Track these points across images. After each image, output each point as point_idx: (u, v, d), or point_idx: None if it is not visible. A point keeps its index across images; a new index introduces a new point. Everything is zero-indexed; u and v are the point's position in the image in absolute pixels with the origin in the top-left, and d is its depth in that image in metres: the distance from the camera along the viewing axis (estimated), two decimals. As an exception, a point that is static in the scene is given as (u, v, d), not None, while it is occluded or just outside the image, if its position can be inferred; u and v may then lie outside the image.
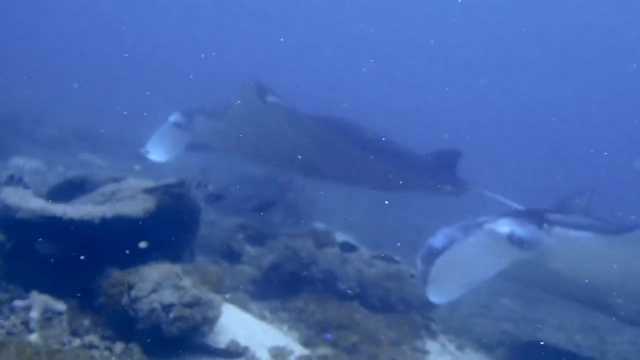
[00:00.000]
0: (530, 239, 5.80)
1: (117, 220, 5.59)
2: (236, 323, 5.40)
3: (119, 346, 4.61)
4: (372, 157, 9.18)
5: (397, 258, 7.89)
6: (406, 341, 6.32)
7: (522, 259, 5.93)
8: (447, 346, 6.87)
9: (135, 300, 4.79)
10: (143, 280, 5.00)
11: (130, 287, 4.95)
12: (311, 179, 11.76)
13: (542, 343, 7.98)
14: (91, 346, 4.49)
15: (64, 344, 4.40)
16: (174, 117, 9.87)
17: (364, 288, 6.84)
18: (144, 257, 5.70)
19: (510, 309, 11.26)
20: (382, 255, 7.85)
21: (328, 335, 5.63)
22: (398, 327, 6.51)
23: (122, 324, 4.85)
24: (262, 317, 6.10)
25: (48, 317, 4.96)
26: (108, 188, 6.48)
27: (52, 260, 5.54)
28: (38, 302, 5.11)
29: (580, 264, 5.83)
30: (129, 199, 6.06)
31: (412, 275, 7.49)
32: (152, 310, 4.68)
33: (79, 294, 5.41)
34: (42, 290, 5.29)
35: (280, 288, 6.76)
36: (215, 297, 5.07)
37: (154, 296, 4.80)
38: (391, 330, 6.33)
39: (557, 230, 5.78)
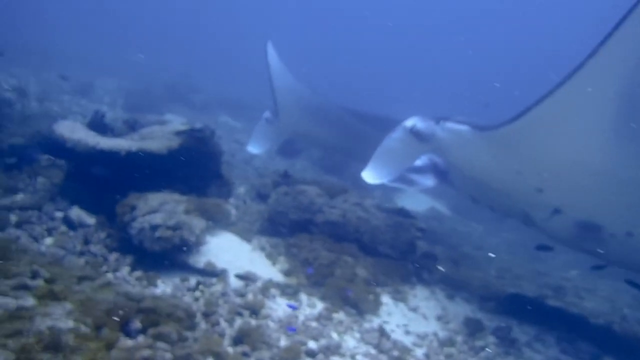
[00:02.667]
0: (426, 130, 6.37)
1: (141, 154, 6.02)
2: (225, 249, 5.72)
3: (113, 256, 5.04)
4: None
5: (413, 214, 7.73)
6: (390, 283, 6.24)
7: (424, 149, 6.69)
8: (436, 293, 6.67)
9: (133, 219, 5.20)
10: (145, 204, 5.38)
11: (133, 208, 5.35)
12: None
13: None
14: (89, 252, 4.92)
15: (65, 249, 4.83)
16: (265, 114, 11.15)
17: (362, 235, 6.77)
18: (163, 186, 6.12)
19: (540, 272, 10.44)
20: (394, 208, 7.69)
21: (310, 270, 5.71)
22: (387, 271, 6.41)
23: (124, 239, 5.28)
24: (262, 249, 6.32)
25: (73, 227, 5.48)
26: (149, 129, 6.97)
27: (95, 182, 6.10)
28: (74, 215, 5.71)
29: (465, 156, 6.26)
30: (159, 138, 6.48)
31: (419, 229, 7.30)
32: (142, 229, 5.10)
33: (108, 212, 5.87)
34: (83, 206, 5.88)
35: (289, 227, 6.90)
36: (199, 223, 5.35)
37: (147, 217, 5.21)
38: (378, 274, 6.25)
39: (448, 125, 6.20)
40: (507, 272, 9.67)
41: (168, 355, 3.17)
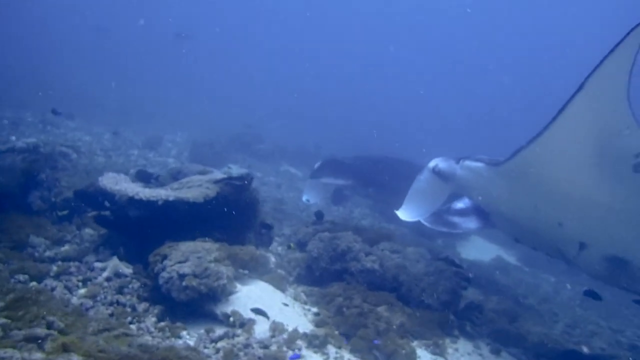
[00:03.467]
0: (447, 170, 6.75)
1: (178, 203, 6.17)
2: (255, 298, 5.62)
3: (142, 306, 5.08)
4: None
5: (458, 262, 7.36)
6: (429, 336, 5.86)
7: (449, 188, 6.97)
8: (481, 348, 6.19)
9: (163, 268, 5.25)
10: (176, 253, 5.44)
11: (164, 257, 5.42)
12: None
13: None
14: (118, 303, 4.98)
15: (95, 299, 4.93)
16: (317, 165, 12.15)
17: (400, 284, 6.49)
18: (201, 234, 6.19)
19: (615, 329, 9.51)
20: (440, 256, 7.34)
21: (346, 341, 5.41)
22: (426, 322, 6.04)
23: (155, 288, 5.33)
24: (295, 298, 6.20)
25: (109, 277, 5.59)
26: (189, 178, 7.14)
27: (136, 232, 6.27)
28: (112, 265, 5.89)
29: (484, 192, 6.45)
30: (196, 187, 6.63)
31: (464, 279, 6.91)
32: (170, 278, 5.14)
33: (145, 262, 5.97)
34: (124, 256, 6.03)
35: (325, 276, 6.75)
36: (228, 272, 5.34)
37: (176, 266, 5.23)
38: (416, 325, 5.91)
39: (466, 163, 6.49)
40: (576, 328, 8.91)
41: (165, 411, 3.08)
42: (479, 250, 14.44)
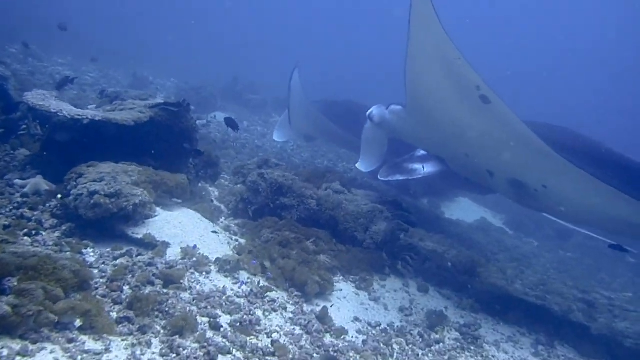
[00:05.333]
0: (379, 116, 7.23)
1: (106, 124, 5.93)
2: (175, 224, 5.48)
3: (50, 222, 4.91)
4: None
5: (405, 205, 7.23)
6: (357, 272, 5.76)
7: (385, 131, 7.44)
8: (410, 286, 6.10)
9: (75, 186, 5.07)
10: (92, 172, 5.26)
11: (80, 176, 5.24)
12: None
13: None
14: (22, 217, 4.82)
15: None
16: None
17: (337, 221, 6.34)
18: (130, 159, 5.98)
19: (568, 285, 9.38)
20: (388, 200, 7.17)
21: (253, 261, 5.25)
22: (356, 259, 5.95)
23: (69, 207, 5.15)
24: (227, 228, 6.06)
25: (26, 194, 5.43)
26: (125, 102, 6.90)
27: (64, 152, 6.07)
28: (33, 183, 5.69)
29: (406, 131, 6.90)
30: (128, 110, 6.38)
31: (408, 222, 6.79)
32: (80, 195, 4.95)
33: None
34: (49, 176, 5.84)
35: (261, 209, 6.59)
36: (142, 194, 5.17)
37: (88, 184, 5.03)
38: (345, 260, 5.82)
39: (392, 107, 6.93)
40: (540, 286, 8.78)
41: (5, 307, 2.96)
42: (465, 211, 14.32)
